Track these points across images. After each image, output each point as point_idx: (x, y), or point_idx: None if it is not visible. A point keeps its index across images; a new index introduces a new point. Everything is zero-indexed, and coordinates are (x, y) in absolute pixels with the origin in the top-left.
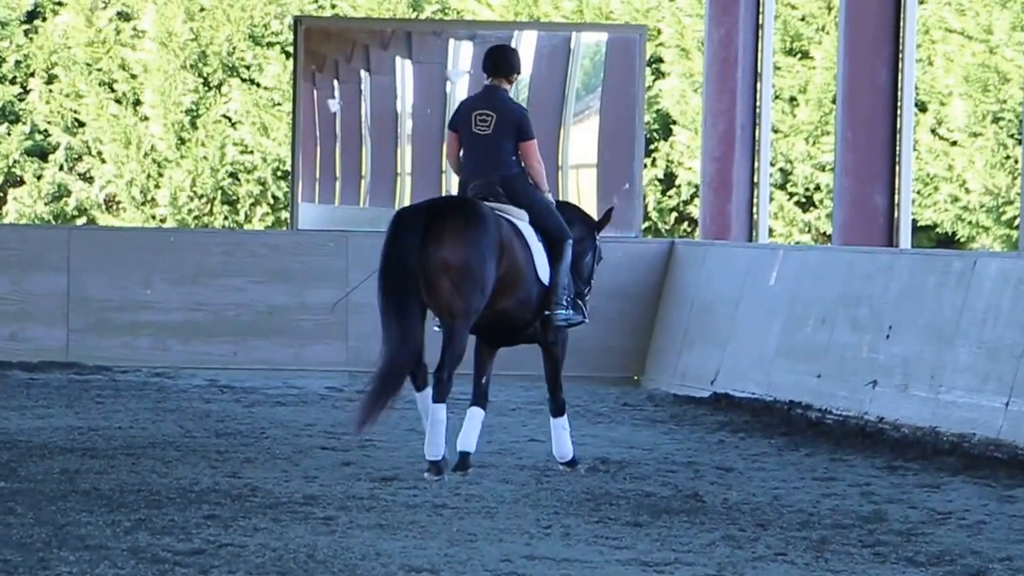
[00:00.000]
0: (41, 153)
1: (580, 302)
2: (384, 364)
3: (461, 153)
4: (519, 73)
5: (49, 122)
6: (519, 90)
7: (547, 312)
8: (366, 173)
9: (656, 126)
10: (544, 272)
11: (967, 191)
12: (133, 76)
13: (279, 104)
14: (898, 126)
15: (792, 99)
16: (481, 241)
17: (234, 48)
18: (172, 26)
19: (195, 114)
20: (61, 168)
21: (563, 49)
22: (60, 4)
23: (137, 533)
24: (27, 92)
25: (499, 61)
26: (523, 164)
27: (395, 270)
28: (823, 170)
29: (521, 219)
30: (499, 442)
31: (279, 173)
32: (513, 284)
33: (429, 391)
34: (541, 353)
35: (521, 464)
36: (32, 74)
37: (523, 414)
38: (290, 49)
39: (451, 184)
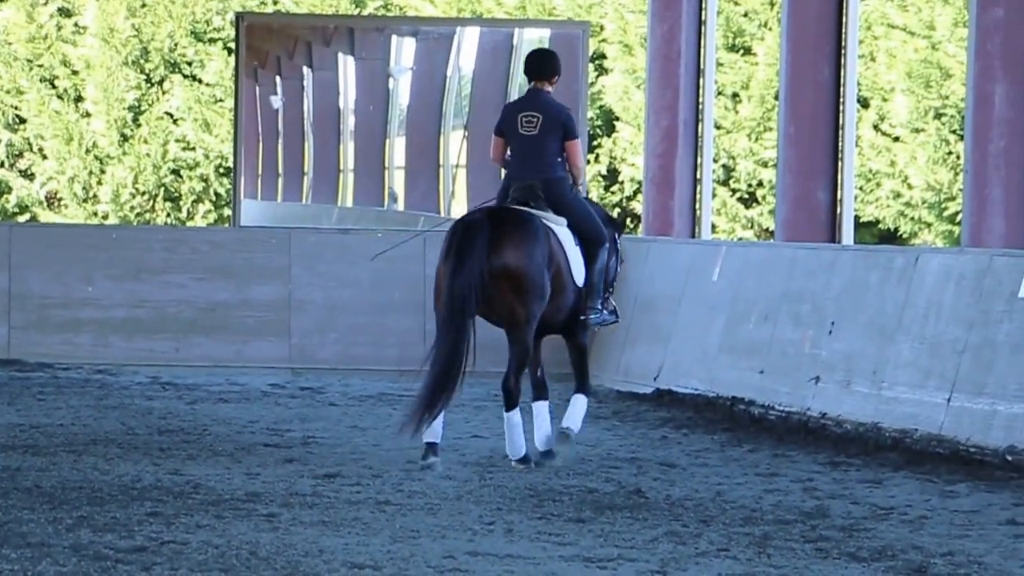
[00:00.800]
0: None
1: (612, 302)
2: (440, 369)
3: (508, 154)
4: (559, 75)
5: None
6: (461, 87)
7: (583, 317)
8: (308, 170)
9: (599, 122)
10: (580, 276)
11: (909, 187)
12: (75, 72)
13: (221, 100)
14: (841, 122)
15: (735, 95)
16: (538, 251)
17: (176, 44)
18: (114, 22)
19: (137, 110)
20: (2, 165)
21: (506, 45)
22: (0, 0)
23: (79, 530)
24: None
25: (541, 64)
26: (567, 162)
27: (461, 278)
28: (766, 166)
29: (559, 224)
30: (442, 438)
31: (221, 170)
32: (557, 290)
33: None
34: (567, 344)
35: (464, 460)
36: None
37: (466, 411)
38: (232, 45)
39: (393, 180)
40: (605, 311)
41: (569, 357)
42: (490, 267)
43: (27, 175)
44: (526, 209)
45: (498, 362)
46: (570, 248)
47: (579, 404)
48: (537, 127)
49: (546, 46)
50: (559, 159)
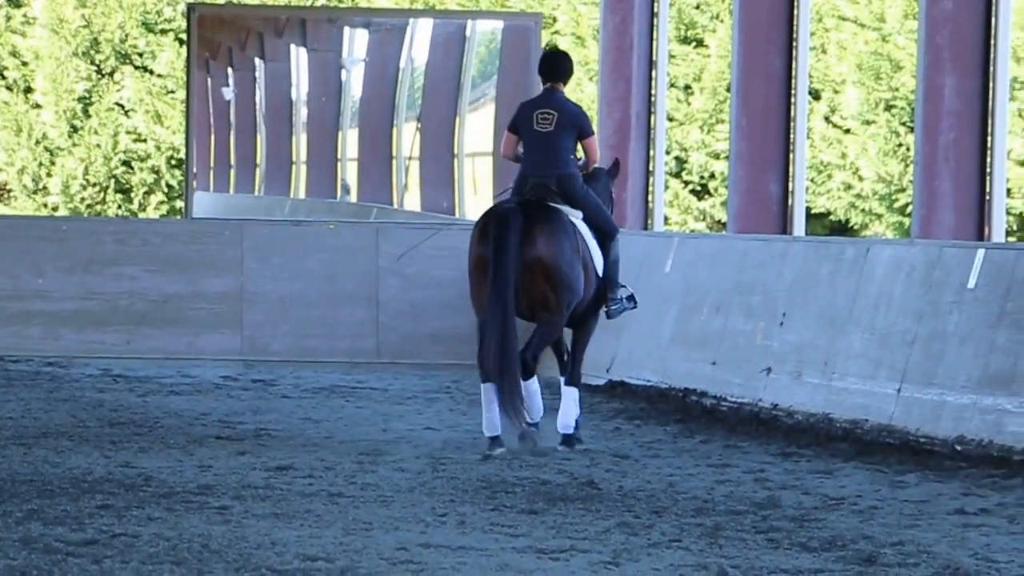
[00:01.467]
0: None
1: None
2: (501, 361)
3: (520, 150)
4: (572, 75)
5: None
6: (414, 78)
7: (605, 309)
8: (261, 161)
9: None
10: (600, 267)
11: (860, 179)
12: (24, 63)
13: (173, 92)
14: (792, 114)
15: (687, 87)
16: (567, 243)
17: (127, 35)
18: (63, 13)
19: (88, 102)
20: None
21: (459, 37)
22: None
23: (29, 523)
24: None
25: (556, 66)
26: (587, 157)
27: (499, 268)
28: (718, 158)
29: (577, 218)
30: (394, 430)
31: (173, 161)
32: (586, 283)
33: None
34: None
35: (417, 452)
36: None
37: (418, 402)
38: (183, 36)
39: (346, 172)
40: (624, 300)
41: (573, 340)
42: (524, 258)
43: None
44: (554, 205)
45: (449, 354)
46: (591, 241)
47: (574, 397)
48: (553, 124)
49: (499, 37)
50: (572, 156)
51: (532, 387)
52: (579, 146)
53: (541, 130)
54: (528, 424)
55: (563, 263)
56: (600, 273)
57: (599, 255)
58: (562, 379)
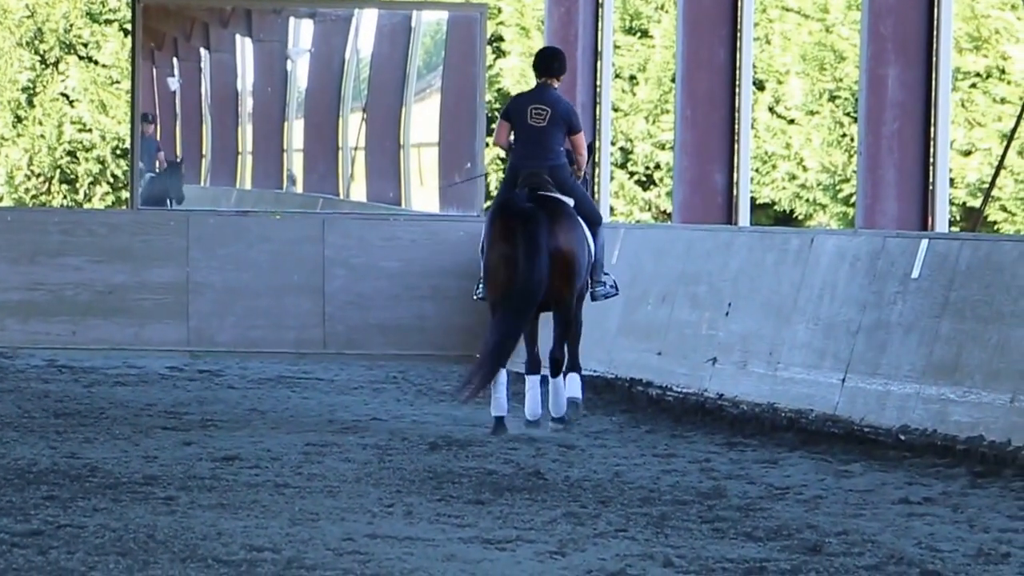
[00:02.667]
0: None
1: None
2: (499, 343)
3: (512, 140)
4: (565, 72)
5: None
6: (360, 69)
7: (591, 291)
8: (207, 152)
9: (497, 105)
10: (594, 253)
11: (804, 169)
12: None
13: (118, 82)
14: (737, 104)
15: (632, 78)
16: (580, 233)
17: (71, 25)
18: (7, 3)
19: (32, 92)
20: None
21: (404, 27)
22: None
23: None
24: None
25: (550, 62)
26: (573, 151)
27: (535, 265)
28: (663, 148)
29: (570, 205)
30: (341, 421)
31: (119, 152)
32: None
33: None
34: (562, 319)
35: (363, 443)
36: None
37: (365, 393)
38: (128, 26)
39: (292, 162)
40: (607, 284)
41: (563, 332)
42: (551, 252)
43: None
44: (559, 196)
45: (395, 345)
46: (583, 227)
47: (577, 380)
48: (546, 119)
49: (444, 28)
50: (561, 149)
51: (559, 385)
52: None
53: (535, 124)
54: (557, 419)
55: (579, 253)
56: (592, 259)
57: (591, 241)
58: (548, 372)
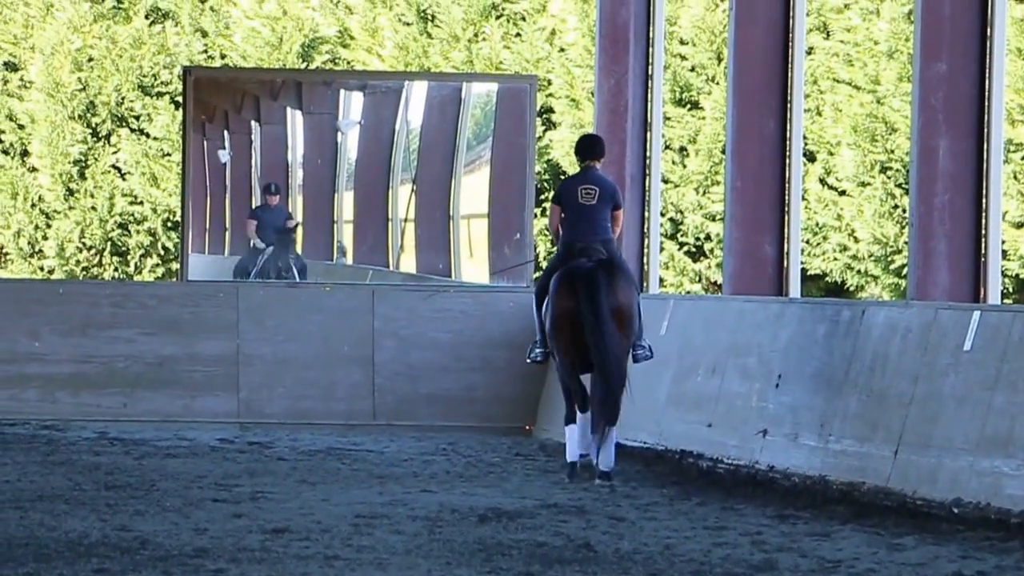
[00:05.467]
0: None
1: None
2: (608, 387)
3: (562, 221)
4: (605, 155)
5: None
6: (409, 141)
7: (632, 352)
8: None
9: (547, 176)
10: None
11: (856, 240)
12: (20, 127)
13: (169, 154)
14: (787, 176)
15: (682, 149)
16: (635, 290)
17: (123, 98)
18: (60, 76)
19: (84, 164)
20: None
21: (454, 99)
22: None
23: None
24: None
25: (592, 147)
26: (612, 224)
27: (599, 319)
28: (713, 220)
29: (627, 265)
30: (391, 493)
31: (169, 224)
32: None
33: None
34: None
35: (413, 515)
36: None
37: (415, 464)
38: (179, 99)
39: (342, 234)
40: (646, 348)
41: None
42: (608, 306)
43: None
44: (614, 258)
45: (445, 416)
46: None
47: (614, 437)
48: (596, 198)
49: (494, 100)
50: (609, 224)
51: (613, 436)
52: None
53: (585, 203)
54: (604, 474)
55: (635, 310)
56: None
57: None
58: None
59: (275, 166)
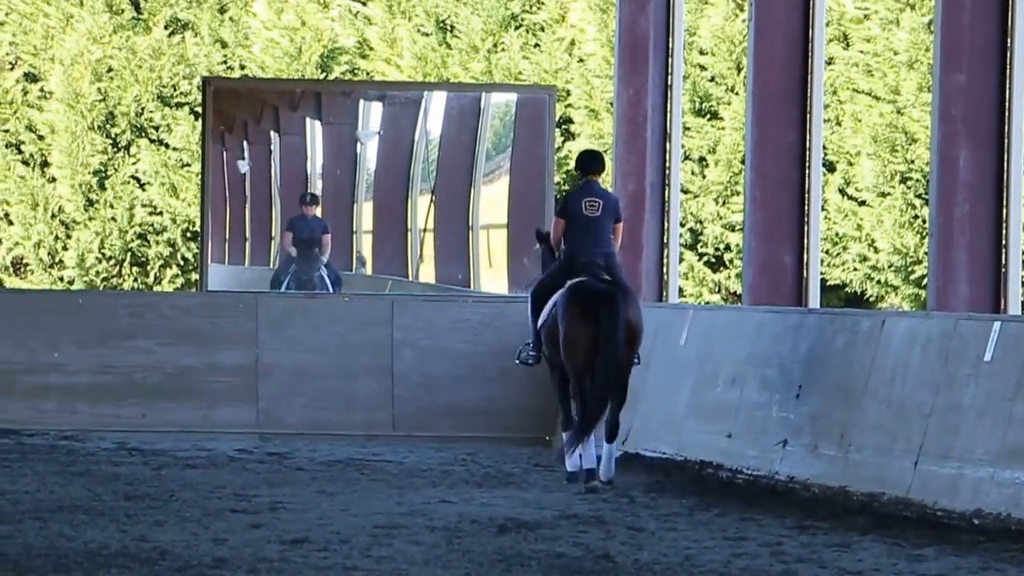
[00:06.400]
0: None
1: None
2: (597, 402)
3: (565, 233)
4: (605, 170)
5: None
6: (428, 151)
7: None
8: (276, 234)
9: (566, 186)
10: None
11: (876, 250)
12: (40, 137)
13: (188, 165)
14: (807, 186)
15: (702, 159)
16: (640, 307)
17: (142, 108)
18: (80, 87)
19: (103, 175)
20: None
21: (473, 109)
22: None
23: None
24: None
25: (594, 162)
26: (612, 237)
27: (596, 335)
28: (733, 230)
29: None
30: (410, 503)
31: (189, 234)
32: None
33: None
34: (619, 385)
35: (432, 525)
36: None
37: (434, 475)
38: (199, 110)
39: (361, 244)
40: (636, 355)
41: (620, 399)
42: (625, 330)
43: None
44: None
45: (464, 427)
46: None
47: (615, 451)
48: (599, 210)
49: (513, 110)
50: (610, 237)
51: (614, 449)
52: None
53: (590, 215)
54: (607, 481)
55: (641, 327)
56: None
57: None
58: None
59: (294, 176)
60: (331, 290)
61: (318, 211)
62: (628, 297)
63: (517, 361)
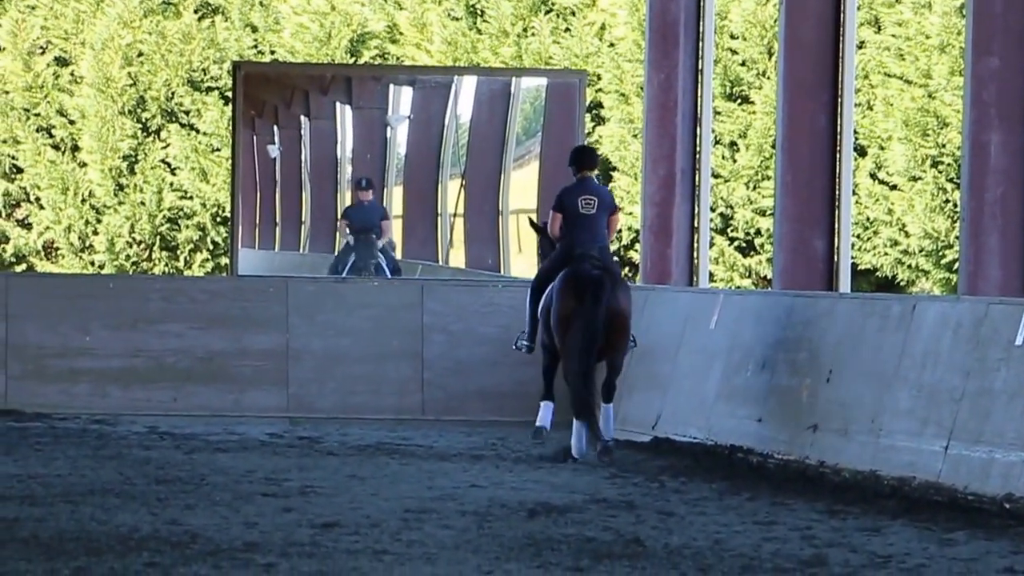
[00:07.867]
0: None
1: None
2: (582, 378)
3: (561, 227)
4: (599, 165)
5: None
6: (459, 136)
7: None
8: (306, 219)
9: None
10: None
11: (907, 235)
12: (71, 122)
13: (218, 149)
14: (837, 170)
15: (732, 144)
16: (630, 295)
17: (173, 93)
18: (110, 71)
19: (133, 159)
20: None
21: (503, 94)
22: None
23: None
24: None
25: (588, 158)
26: (608, 229)
27: (598, 317)
28: (763, 215)
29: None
30: (440, 488)
31: (219, 219)
32: None
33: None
34: (614, 364)
35: (462, 510)
36: None
37: (464, 459)
38: (229, 94)
39: (391, 229)
40: (633, 339)
41: (615, 374)
42: (611, 309)
43: (24, 225)
44: (612, 268)
45: (494, 411)
46: None
47: (611, 413)
48: (595, 207)
49: (543, 95)
50: (606, 231)
51: (611, 410)
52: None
53: (586, 212)
54: (605, 439)
55: (630, 313)
56: None
57: None
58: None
59: (324, 161)
60: (388, 276)
61: (372, 195)
62: (617, 284)
63: (514, 347)
